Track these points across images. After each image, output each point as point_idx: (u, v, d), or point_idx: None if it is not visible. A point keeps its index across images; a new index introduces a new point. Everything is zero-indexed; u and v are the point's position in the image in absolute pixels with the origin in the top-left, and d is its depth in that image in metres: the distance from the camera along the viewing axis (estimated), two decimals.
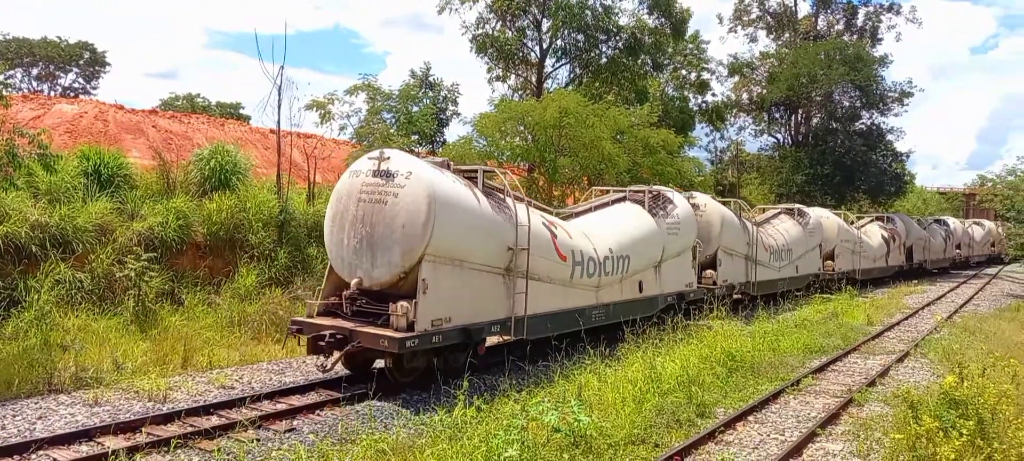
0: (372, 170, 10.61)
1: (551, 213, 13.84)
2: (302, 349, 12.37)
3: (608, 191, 17.01)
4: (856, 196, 43.64)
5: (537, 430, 7.83)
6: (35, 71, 49.50)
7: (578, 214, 15.24)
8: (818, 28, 48.41)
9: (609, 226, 14.72)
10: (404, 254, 10.16)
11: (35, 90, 44.74)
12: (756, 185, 46.29)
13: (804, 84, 40.94)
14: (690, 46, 41.87)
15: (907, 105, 43.63)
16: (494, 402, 9.35)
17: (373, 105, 24.82)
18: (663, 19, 34.74)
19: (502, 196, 11.77)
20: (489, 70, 34.02)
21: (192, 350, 12.22)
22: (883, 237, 32.48)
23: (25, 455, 7.78)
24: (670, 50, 37.18)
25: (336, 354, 10.23)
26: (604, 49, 32.15)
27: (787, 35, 48.44)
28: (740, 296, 20.16)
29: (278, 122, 17.77)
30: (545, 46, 31.99)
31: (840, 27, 48.37)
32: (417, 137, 25.89)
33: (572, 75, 33.60)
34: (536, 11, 31.17)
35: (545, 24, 31.36)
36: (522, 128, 24.49)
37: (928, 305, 24.73)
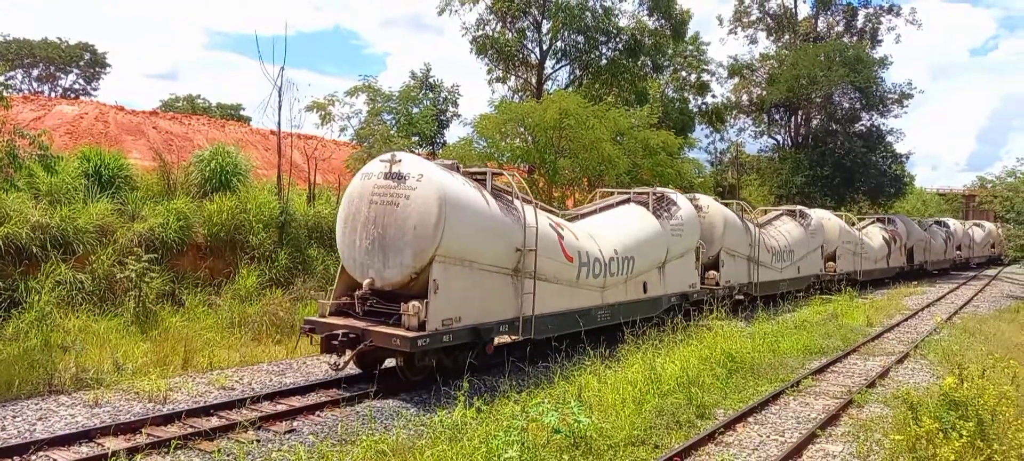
0: (384, 172, 10.76)
1: (558, 215, 13.92)
2: (302, 350, 12.43)
3: (613, 193, 17.09)
4: (856, 198, 43.64)
5: (537, 431, 7.84)
6: (36, 72, 49.52)
7: (584, 216, 15.35)
8: (818, 30, 48.43)
9: (614, 227, 14.82)
10: (416, 255, 10.29)
11: (36, 91, 44.75)
12: (756, 186, 46.28)
13: (804, 86, 40.96)
14: (690, 47, 41.91)
15: (907, 106, 43.73)
16: (494, 403, 9.36)
17: (373, 106, 24.85)
18: (663, 21, 34.81)
19: (510, 198, 11.91)
20: (489, 71, 34.10)
21: (192, 351, 12.22)
22: (884, 238, 32.49)
23: (25, 456, 7.77)
24: (670, 51, 37.22)
25: (349, 353, 10.36)
26: (604, 50, 32.21)
27: (787, 37, 48.48)
28: (742, 297, 20.22)
29: (278, 123, 17.82)
30: (545, 47, 32.03)
31: (840, 29, 48.41)
32: (417, 138, 25.94)
33: (572, 76, 33.65)
34: (536, 12, 31.22)
35: (545, 25, 31.42)
36: (522, 129, 24.51)
37: (928, 306, 24.73)
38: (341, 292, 11.27)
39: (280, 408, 9.69)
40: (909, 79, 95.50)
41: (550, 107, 23.38)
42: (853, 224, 31.32)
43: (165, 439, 8.23)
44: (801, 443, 8.97)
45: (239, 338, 13.57)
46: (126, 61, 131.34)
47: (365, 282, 10.62)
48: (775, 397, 11.21)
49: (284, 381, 11.35)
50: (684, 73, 43.00)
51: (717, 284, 18.73)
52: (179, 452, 8.07)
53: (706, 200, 19.80)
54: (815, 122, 45.37)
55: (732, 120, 48.62)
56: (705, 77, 44.25)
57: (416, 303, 10.12)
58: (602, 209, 15.88)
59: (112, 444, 8.10)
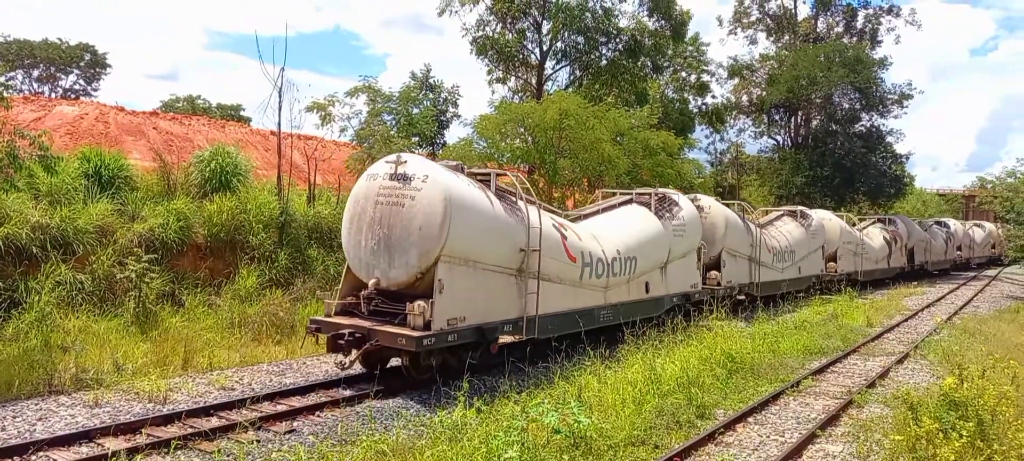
0: (389, 173, 10.83)
1: (561, 215, 13.95)
2: (304, 349, 12.43)
3: (614, 193, 17.15)
4: (855, 198, 43.64)
5: (537, 431, 7.85)
6: (36, 73, 49.54)
7: (586, 216, 15.41)
8: (818, 30, 48.45)
9: (617, 228, 14.88)
10: (421, 255, 10.35)
11: (36, 92, 44.75)
12: (755, 187, 46.30)
13: (804, 86, 40.97)
14: (690, 48, 41.96)
15: (907, 107, 43.71)
16: (494, 403, 9.36)
17: (373, 107, 24.90)
18: (663, 21, 34.84)
19: (514, 199, 11.97)
20: (489, 72, 34.14)
21: (192, 351, 12.22)
22: (885, 239, 32.51)
23: (25, 456, 7.77)
24: (670, 52, 37.26)
25: (355, 352, 10.43)
26: (604, 51, 32.24)
27: (787, 37, 48.50)
28: (744, 297, 20.25)
29: (279, 124, 17.83)
30: (545, 48, 32.06)
31: (840, 29, 48.44)
32: (417, 139, 25.98)
33: (572, 77, 33.68)
34: (536, 13, 31.24)
35: (545, 26, 31.44)
36: (522, 130, 24.54)
37: (928, 307, 24.72)
38: (347, 292, 11.34)
39: (280, 408, 9.68)
40: (909, 80, 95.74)
41: (550, 108, 23.40)
42: (854, 225, 31.34)
43: (165, 439, 8.22)
44: (801, 443, 8.97)
45: (239, 338, 13.57)
46: (126, 61, 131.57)
47: (371, 282, 10.69)
48: (775, 397, 11.21)
49: (284, 381, 11.35)
50: (684, 74, 43.05)
51: (719, 284, 18.79)
52: (179, 452, 8.07)
53: (708, 201, 19.85)
54: (815, 123, 45.38)
55: (732, 121, 48.66)
56: (705, 78, 44.36)
57: (421, 303, 10.18)
58: (604, 210, 15.95)
59: (112, 444, 8.09)
